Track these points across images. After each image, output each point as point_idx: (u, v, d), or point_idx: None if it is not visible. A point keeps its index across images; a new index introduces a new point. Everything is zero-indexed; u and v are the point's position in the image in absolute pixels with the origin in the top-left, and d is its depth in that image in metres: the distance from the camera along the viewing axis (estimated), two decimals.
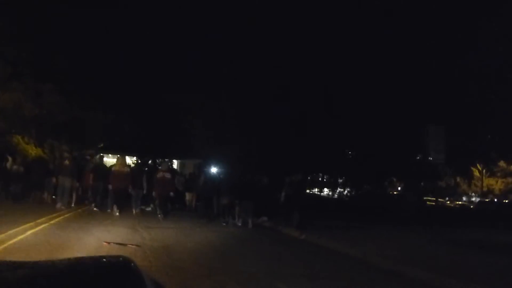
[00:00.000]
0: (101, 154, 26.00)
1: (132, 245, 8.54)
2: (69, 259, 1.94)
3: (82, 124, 24.32)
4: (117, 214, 14.95)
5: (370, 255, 9.53)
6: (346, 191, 37.10)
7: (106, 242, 8.54)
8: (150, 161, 31.45)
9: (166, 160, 24.68)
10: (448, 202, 52.14)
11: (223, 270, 7.08)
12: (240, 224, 15.18)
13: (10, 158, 18.46)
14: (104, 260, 1.99)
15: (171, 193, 16.26)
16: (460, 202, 56.98)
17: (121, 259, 1.86)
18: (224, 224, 15.05)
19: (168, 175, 16.34)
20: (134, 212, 15.98)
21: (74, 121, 23.21)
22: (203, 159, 29.19)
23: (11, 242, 8.14)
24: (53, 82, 20.95)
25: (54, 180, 16.87)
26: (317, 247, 11.03)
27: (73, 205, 16.49)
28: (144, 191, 16.65)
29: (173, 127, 29.67)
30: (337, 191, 40.47)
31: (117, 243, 8.46)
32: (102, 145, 30.58)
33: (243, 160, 21.31)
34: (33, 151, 23.28)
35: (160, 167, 18.37)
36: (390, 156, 20.47)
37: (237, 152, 22.08)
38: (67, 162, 16.78)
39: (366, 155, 22.29)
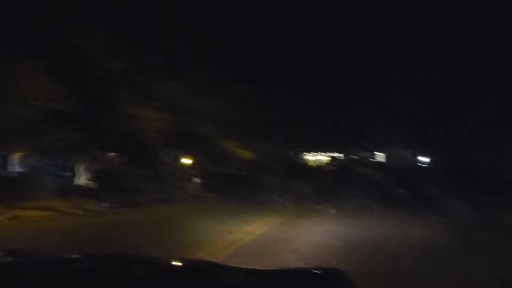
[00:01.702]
0: (308, 152, 25.93)
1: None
2: (281, 270, 2.13)
3: (284, 123, 24.59)
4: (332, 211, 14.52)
5: None
6: None
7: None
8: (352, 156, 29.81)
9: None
10: None
11: None
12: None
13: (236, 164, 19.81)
14: (315, 271, 1.93)
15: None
16: None
17: (332, 270, 1.82)
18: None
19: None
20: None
21: (274, 120, 23.66)
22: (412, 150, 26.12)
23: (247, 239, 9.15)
24: (250, 84, 21.73)
25: (274, 180, 17.39)
26: None
27: (292, 203, 16.73)
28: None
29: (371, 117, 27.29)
30: None
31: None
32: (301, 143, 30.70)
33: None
34: (247, 154, 24.62)
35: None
36: None
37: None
38: (278, 163, 16.90)
39: None
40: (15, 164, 10.77)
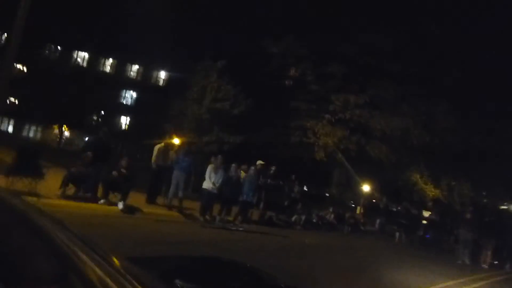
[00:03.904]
0: None
1: None
2: None
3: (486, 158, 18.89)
4: None
5: None
6: None
7: None
8: None
9: None
10: None
11: None
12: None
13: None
14: None
15: None
16: None
17: None
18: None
19: None
20: None
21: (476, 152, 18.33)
22: None
23: None
24: (448, 101, 17.20)
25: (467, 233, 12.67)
26: None
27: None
28: None
29: None
30: None
31: None
32: None
33: None
34: (431, 192, 19.79)
35: None
36: None
37: None
38: (468, 215, 12.36)
39: None
40: (160, 157, 9.94)
